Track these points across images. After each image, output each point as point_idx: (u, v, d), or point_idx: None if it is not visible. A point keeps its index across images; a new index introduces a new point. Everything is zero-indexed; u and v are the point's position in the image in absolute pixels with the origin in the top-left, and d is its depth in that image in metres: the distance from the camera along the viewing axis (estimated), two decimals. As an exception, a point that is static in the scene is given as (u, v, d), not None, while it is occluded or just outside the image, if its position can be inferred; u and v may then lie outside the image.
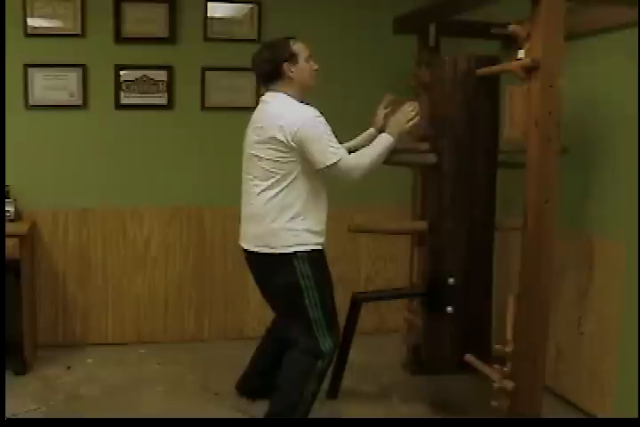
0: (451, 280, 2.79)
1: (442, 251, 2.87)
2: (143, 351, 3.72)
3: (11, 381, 3.17)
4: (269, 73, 2.61)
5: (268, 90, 2.66)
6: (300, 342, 2.59)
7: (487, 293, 2.91)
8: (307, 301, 2.54)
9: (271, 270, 2.60)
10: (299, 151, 2.49)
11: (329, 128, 2.52)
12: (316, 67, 2.65)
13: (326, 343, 2.57)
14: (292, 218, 2.53)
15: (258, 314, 3.94)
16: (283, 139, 2.47)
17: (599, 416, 2.86)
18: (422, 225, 3.02)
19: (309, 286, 2.54)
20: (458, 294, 2.81)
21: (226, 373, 3.34)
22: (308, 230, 2.55)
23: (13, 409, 2.88)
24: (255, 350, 2.99)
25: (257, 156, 2.56)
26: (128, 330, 3.85)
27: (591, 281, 2.93)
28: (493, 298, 2.94)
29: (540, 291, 2.41)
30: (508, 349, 2.51)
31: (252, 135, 2.63)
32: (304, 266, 2.54)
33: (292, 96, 2.59)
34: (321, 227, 2.60)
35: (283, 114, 2.52)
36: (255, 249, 2.60)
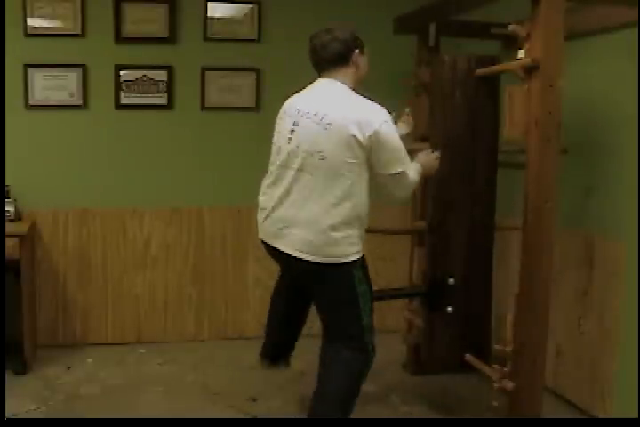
0: (451, 280, 2.80)
1: (442, 251, 2.87)
2: (143, 351, 3.72)
3: (11, 381, 3.17)
4: (338, 54, 2.38)
5: (321, 76, 2.44)
6: (349, 347, 2.45)
7: (487, 293, 2.91)
8: (361, 307, 2.43)
9: (327, 280, 2.42)
10: (367, 152, 2.31)
11: None
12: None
13: (372, 346, 2.50)
14: (353, 225, 2.36)
15: (258, 314, 3.94)
16: (360, 137, 2.27)
17: (599, 416, 2.85)
18: (422, 225, 3.03)
19: (362, 292, 2.43)
20: (458, 294, 2.81)
21: (226, 373, 3.34)
22: (361, 236, 2.41)
23: (13, 409, 2.88)
24: (274, 322, 2.87)
25: (320, 152, 2.30)
26: (128, 330, 3.85)
27: (591, 281, 2.93)
28: (493, 298, 2.94)
29: (539, 291, 2.41)
30: (508, 349, 2.51)
31: (312, 127, 2.32)
32: (358, 273, 2.42)
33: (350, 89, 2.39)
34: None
35: (359, 109, 2.32)
36: (307, 257, 2.35)
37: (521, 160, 2.49)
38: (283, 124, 2.46)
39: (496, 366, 2.57)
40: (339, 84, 2.40)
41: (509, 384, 2.46)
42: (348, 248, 2.36)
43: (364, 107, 2.34)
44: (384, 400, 3.12)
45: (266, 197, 2.50)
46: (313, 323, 2.73)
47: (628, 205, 2.69)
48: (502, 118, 2.66)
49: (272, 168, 2.49)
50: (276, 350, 2.89)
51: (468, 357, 2.77)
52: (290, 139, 2.38)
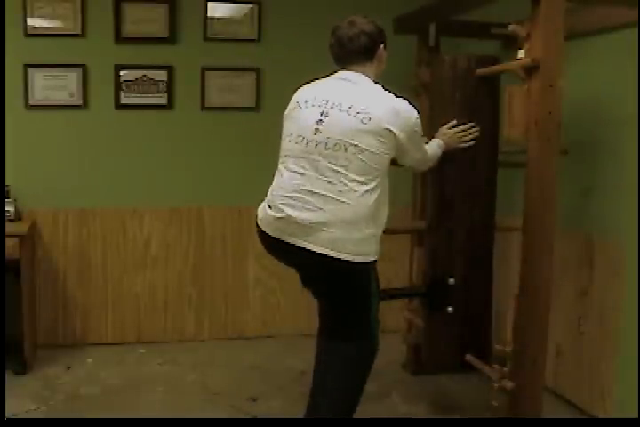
0: (451, 280, 2.79)
1: (442, 251, 2.87)
2: (143, 351, 3.73)
3: (11, 381, 3.17)
4: (365, 48, 2.35)
5: (344, 69, 2.39)
6: (356, 342, 2.42)
7: (487, 293, 2.91)
8: (372, 304, 2.40)
9: (347, 276, 2.34)
10: (397, 146, 2.31)
11: None
12: None
13: (377, 341, 2.47)
14: (381, 222, 2.34)
15: (258, 314, 3.95)
16: (397, 132, 2.26)
17: (599, 416, 2.85)
18: (422, 224, 3.03)
19: (375, 289, 2.41)
20: (458, 294, 2.81)
21: (226, 373, 3.34)
22: (380, 235, 2.37)
23: (13, 409, 2.88)
24: None
25: (356, 146, 2.23)
26: (128, 330, 3.85)
27: (591, 281, 2.93)
28: (493, 298, 2.94)
29: (539, 291, 2.42)
30: (508, 349, 2.51)
31: (348, 120, 2.25)
32: (374, 270, 2.40)
33: None
34: None
35: (396, 105, 2.30)
36: (332, 254, 2.24)
37: (521, 160, 2.49)
38: (304, 113, 2.34)
39: (496, 366, 2.57)
40: (367, 78, 2.36)
41: (509, 384, 2.46)
42: (375, 246, 2.33)
43: (399, 103, 2.32)
44: (384, 400, 3.12)
45: (282, 190, 2.33)
46: (314, 322, 2.73)
47: (628, 205, 2.69)
48: (502, 118, 2.66)
49: (290, 159, 2.34)
50: None
51: (468, 357, 2.77)
52: (317, 129, 2.28)
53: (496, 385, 2.51)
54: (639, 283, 2.63)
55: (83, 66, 3.64)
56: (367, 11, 3.78)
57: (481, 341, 2.86)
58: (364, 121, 2.23)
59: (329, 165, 2.25)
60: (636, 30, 2.59)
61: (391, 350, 3.59)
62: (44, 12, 3.57)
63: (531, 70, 2.34)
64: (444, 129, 2.76)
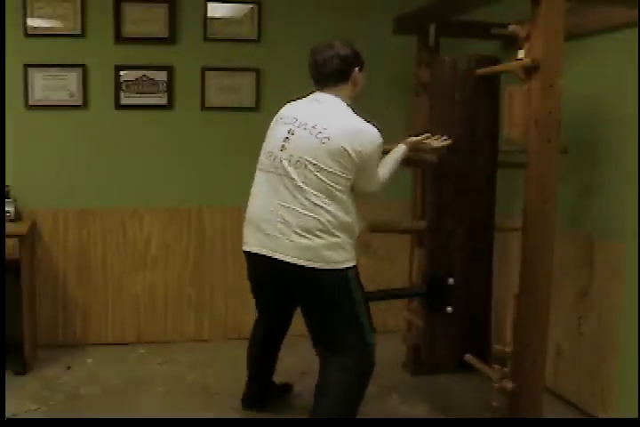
0: (451, 280, 2.79)
1: (441, 251, 2.87)
2: (143, 351, 3.73)
3: (11, 381, 3.17)
4: (338, 71, 2.43)
5: (319, 90, 2.49)
6: (351, 352, 2.46)
7: (487, 293, 2.91)
8: (357, 313, 2.44)
9: (323, 286, 2.42)
10: (356, 168, 2.38)
11: None
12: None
13: (373, 351, 2.52)
14: (352, 232, 2.43)
15: (258, 314, 3.94)
16: (353, 154, 2.34)
17: (599, 416, 2.85)
18: (422, 224, 3.03)
19: (358, 297, 2.45)
20: (458, 294, 2.81)
21: (226, 373, 3.34)
22: (353, 244, 2.46)
23: (13, 409, 2.88)
24: (253, 364, 2.96)
25: (315, 164, 2.34)
26: (128, 330, 3.85)
27: (591, 281, 2.93)
28: (493, 298, 2.94)
29: (539, 291, 2.42)
30: (508, 349, 2.51)
31: (309, 139, 2.37)
32: (354, 280, 2.45)
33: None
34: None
35: (357, 129, 2.38)
36: (304, 263, 2.36)
37: (521, 160, 2.49)
38: (277, 130, 2.49)
39: (496, 366, 2.57)
40: (338, 100, 2.44)
41: (509, 384, 2.46)
42: (345, 254, 2.41)
43: (361, 127, 2.39)
44: (384, 400, 3.12)
45: (254, 205, 2.55)
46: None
47: (628, 205, 2.69)
48: (502, 118, 2.66)
49: (262, 174, 2.52)
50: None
51: (468, 357, 2.77)
52: (283, 146, 2.42)
53: (496, 385, 2.52)
54: (639, 283, 2.63)
55: (83, 66, 3.64)
56: (367, 11, 3.82)
57: (481, 341, 2.86)
58: (324, 141, 2.34)
59: (291, 180, 2.38)
60: (636, 30, 2.59)
61: (391, 350, 3.59)
62: (43, 12, 3.57)
63: (531, 70, 2.34)
64: (420, 142, 2.70)
